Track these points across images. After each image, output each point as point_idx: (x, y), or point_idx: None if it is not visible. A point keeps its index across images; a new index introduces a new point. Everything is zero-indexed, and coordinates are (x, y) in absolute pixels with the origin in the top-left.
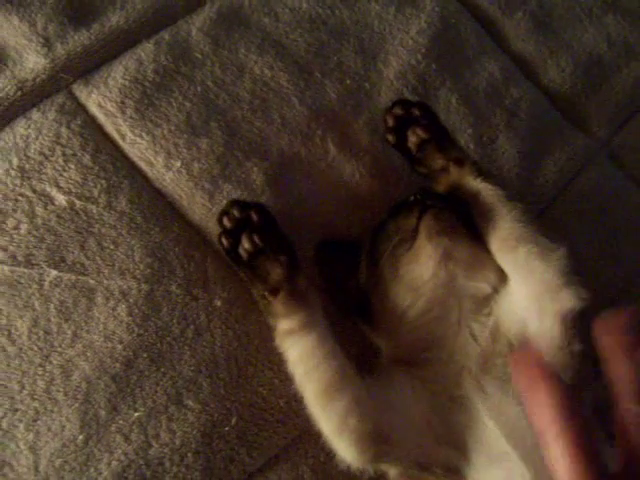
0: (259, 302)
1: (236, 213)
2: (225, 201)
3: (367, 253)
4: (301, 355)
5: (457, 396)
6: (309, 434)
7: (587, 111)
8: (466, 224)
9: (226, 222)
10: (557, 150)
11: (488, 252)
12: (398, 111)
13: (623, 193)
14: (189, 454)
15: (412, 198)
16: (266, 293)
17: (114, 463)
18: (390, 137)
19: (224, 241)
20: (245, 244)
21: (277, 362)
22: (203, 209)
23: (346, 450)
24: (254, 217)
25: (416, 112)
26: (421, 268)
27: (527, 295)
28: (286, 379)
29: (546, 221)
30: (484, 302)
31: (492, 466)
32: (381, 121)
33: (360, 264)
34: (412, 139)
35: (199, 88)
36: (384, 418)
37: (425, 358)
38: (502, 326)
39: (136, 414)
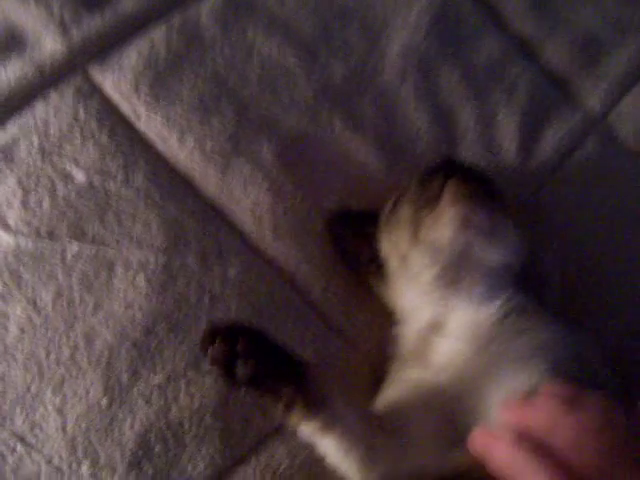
0: (273, 411)
1: (221, 346)
2: (205, 327)
3: (388, 216)
4: (326, 451)
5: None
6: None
7: (584, 87)
8: (488, 194)
9: (213, 354)
10: (555, 125)
11: (507, 223)
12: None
13: (618, 165)
14: (207, 416)
15: (437, 164)
16: (280, 408)
17: (137, 425)
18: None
19: (217, 370)
20: (241, 373)
21: (290, 329)
22: (216, 185)
23: None
24: (241, 348)
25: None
26: (440, 232)
27: None
28: (300, 345)
29: (544, 195)
30: (496, 275)
31: None
32: (385, 97)
33: (378, 229)
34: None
35: (210, 69)
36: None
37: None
38: None
39: (156, 378)
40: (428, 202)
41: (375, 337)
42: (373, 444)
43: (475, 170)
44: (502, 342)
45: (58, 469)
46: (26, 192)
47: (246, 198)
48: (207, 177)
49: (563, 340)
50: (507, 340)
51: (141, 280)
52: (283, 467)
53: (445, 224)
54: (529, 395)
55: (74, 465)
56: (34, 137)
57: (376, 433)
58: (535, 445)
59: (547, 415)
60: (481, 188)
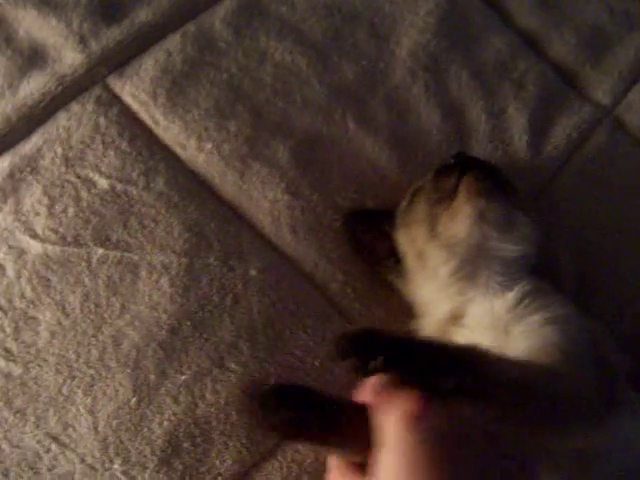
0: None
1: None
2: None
3: (404, 213)
4: None
5: None
6: (344, 392)
7: (592, 80)
8: (502, 188)
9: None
10: (564, 118)
11: (520, 216)
12: None
13: (628, 156)
14: (233, 412)
15: (452, 160)
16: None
17: (165, 423)
18: None
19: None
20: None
21: (310, 325)
22: (234, 187)
23: None
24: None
25: None
26: (457, 226)
27: None
28: (320, 341)
29: (556, 187)
30: (513, 266)
31: None
32: (397, 97)
33: (394, 225)
34: None
35: (224, 75)
36: None
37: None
38: None
39: (183, 377)
40: (444, 198)
41: (394, 332)
42: None
43: (489, 165)
44: (517, 323)
45: (91, 467)
46: (52, 200)
47: (264, 199)
48: (226, 180)
49: (576, 317)
50: (521, 319)
51: (165, 282)
52: (309, 461)
53: (461, 219)
54: None
55: (107, 463)
56: (57, 147)
57: None
58: None
59: None
60: (495, 183)
